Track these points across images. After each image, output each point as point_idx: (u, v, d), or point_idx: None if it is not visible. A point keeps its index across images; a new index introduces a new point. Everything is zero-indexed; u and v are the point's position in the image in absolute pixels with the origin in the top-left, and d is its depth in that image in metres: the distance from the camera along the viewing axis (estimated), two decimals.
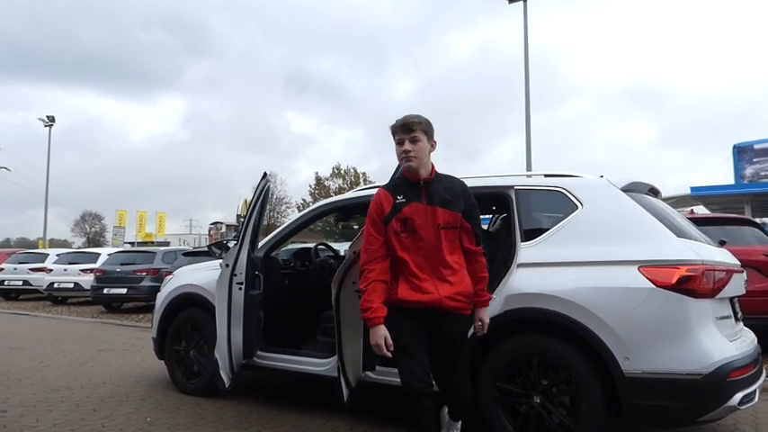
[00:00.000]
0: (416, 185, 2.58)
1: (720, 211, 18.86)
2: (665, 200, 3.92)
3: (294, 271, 4.98)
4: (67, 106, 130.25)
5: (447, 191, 2.58)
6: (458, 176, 2.76)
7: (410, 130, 2.54)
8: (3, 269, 15.35)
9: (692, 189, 19.49)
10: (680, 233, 3.09)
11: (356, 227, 7.34)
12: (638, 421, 2.88)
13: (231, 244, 4.19)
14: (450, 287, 2.52)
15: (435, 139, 2.64)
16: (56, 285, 13.69)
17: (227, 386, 3.96)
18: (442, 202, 2.54)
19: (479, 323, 2.64)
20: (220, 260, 4.18)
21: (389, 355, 2.47)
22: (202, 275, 4.55)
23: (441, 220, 2.52)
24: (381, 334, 2.47)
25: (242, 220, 4.39)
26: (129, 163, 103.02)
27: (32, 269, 14.87)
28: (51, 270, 14.06)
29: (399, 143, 2.57)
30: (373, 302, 2.49)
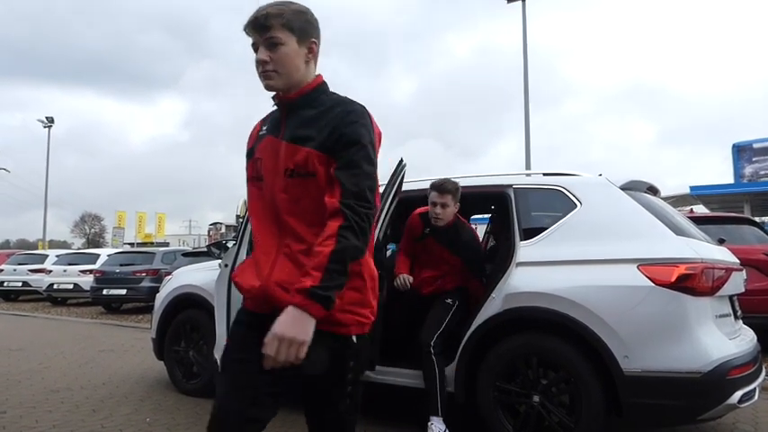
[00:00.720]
0: (278, 110, 1.71)
1: (720, 210, 18.87)
2: (664, 199, 3.92)
3: None
4: (68, 108, 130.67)
5: (313, 118, 1.61)
6: (455, 176, 2.40)
7: (264, 29, 1.60)
8: (2, 270, 15.34)
9: (692, 188, 19.53)
10: (679, 231, 3.09)
11: None
12: (637, 420, 2.88)
13: (230, 244, 4.18)
14: (293, 270, 1.53)
15: (316, 42, 1.67)
16: (55, 286, 13.68)
17: None
18: (294, 135, 1.60)
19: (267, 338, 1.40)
20: (219, 260, 4.18)
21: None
22: (201, 276, 4.55)
23: (284, 161, 1.59)
24: None
25: (241, 220, 4.38)
26: (128, 164, 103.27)
27: (32, 270, 14.87)
28: (51, 271, 14.07)
29: (254, 49, 1.65)
30: None
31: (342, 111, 1.59)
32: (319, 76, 1.71)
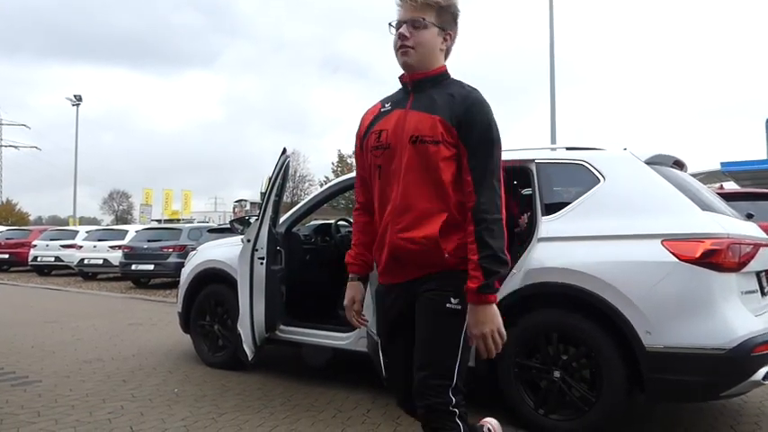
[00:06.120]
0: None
1: (752, 187, 18.35)
2: (693, 175, 3.83)
3: (315, 246, 5.02)
4: (100, 87, 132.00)
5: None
6: None
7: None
8: (36, 246, 15.83)
9: (722, 164, 18.98)
10: (705, 206, 3.03)
11: None
12: (660, 396, 2.87)
13: (253, 220, 4.23)
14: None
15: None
16: (86, 261, 14.03)
17: (250, 359, 4.04)
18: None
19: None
20: (242, 236, 4.23)
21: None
22: (225, 251, 4.62)
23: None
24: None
25: (264, 196, 4.41)
26: (159, 142, 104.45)
27: (64, 246, 15.29)
28: (81, 247, 14.42)
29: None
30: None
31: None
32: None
